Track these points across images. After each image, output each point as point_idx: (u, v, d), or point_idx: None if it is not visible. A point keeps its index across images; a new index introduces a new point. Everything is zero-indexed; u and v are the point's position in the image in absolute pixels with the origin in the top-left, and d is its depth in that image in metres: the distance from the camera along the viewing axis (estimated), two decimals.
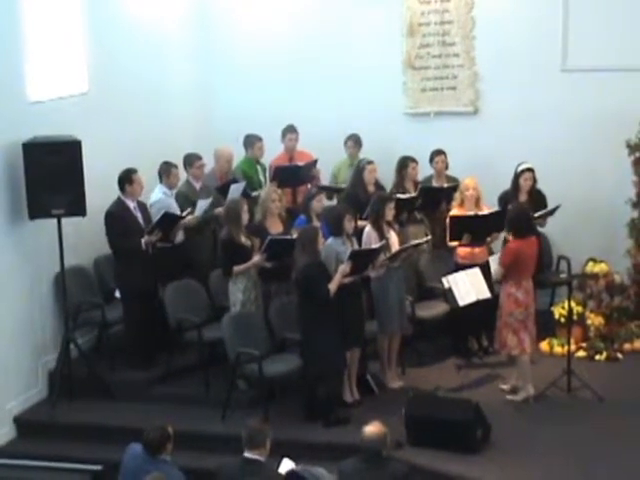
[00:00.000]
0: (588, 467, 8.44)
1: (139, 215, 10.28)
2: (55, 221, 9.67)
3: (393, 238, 9.92)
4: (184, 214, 10.43)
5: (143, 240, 10.05)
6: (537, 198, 10.86)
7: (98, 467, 8.64)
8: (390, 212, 9.89)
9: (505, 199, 10.79)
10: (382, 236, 9.75)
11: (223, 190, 10.87)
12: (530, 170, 10.83)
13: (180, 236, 10.67)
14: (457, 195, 10.67)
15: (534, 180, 10.85)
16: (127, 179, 10.18)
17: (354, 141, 11.80)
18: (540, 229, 10.95)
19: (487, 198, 10.68)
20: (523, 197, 10.84)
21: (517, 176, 10.87)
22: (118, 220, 10.09)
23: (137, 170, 10.29)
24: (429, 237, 10.74)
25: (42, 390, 10.14)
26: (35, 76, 9.97)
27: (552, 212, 10.81)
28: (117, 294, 10.72)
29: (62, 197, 9.59)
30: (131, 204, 10.25)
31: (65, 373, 9.91)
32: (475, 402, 8.90)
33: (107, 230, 10.14)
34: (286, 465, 7.32)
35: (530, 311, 9.64)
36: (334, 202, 11.14)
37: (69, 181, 9.59)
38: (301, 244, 9.35)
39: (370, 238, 9.77)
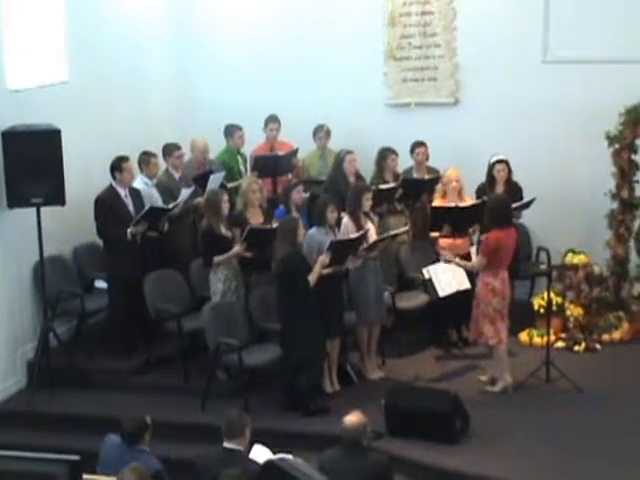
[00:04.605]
0: (567, 457, 8.47)
1: (130, 203, 10.25)
2: (34, 210, 9.61)
3: (371, 229, 9.92)
4: (170, 206, 10.39)
5: (129, 230, 10.02)
6: (513, 189, 10.85)
7: (76, 457, 8.62)
8: (367, 203, 9.86)
9: (482, 191, 10.81)
10: (359, 227, 9.74)
11: (199, 180, 10.82)
12: (502, 162, 10.84)
13: (166, 226, 10.63)
14: (439, 186, 10.69)
15: (509, 171, 10.87)
16: (117, 167, 10.18)
17: (326, 132, 11.77)
18: (518, 220, 10.97)
19: (467, 189, 10.70)
20: (500, 189, 10.84)
21: (490, 168, 10.89)
22: (107, 207, 10.09)
23: (129, 158, 10.28)
24: (407, 228, 10.74)
25: (20, 380, 10.10)
26: (15, 65, 9.90)
27: (528, 205, 10.79)
28: (97, 284, 10.70)
29: (41, 186, 9.52)
30: (122, 191, 10.23)
31: (44, 363, 9.86)
32: (454, 393, 8.93)
33: (95, 216, 10.14)
34: (258, 451, 7.29)
35: (506, 300, 9.67)
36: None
37: (48, 170, 9.53)
38: (281, 235, 9.35)
39: (347, 229, 9.77)
